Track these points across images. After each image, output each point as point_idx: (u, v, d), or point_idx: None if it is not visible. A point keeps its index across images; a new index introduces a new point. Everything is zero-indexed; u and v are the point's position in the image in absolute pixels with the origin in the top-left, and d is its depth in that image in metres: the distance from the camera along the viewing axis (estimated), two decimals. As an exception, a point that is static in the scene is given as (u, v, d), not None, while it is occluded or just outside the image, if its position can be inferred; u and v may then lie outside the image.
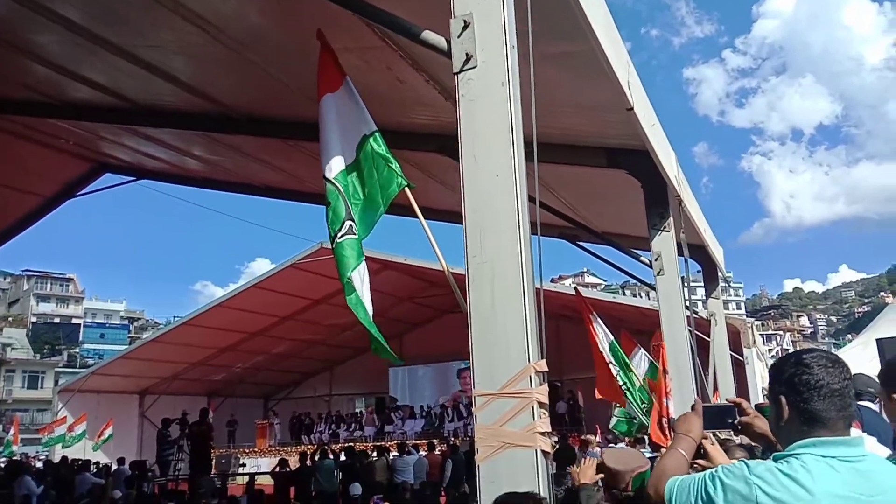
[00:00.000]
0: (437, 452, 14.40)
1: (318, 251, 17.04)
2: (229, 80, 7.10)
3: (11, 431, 26.43)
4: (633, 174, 6.01)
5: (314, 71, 4.51)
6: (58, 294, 61.45)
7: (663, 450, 3.04)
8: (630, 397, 7.24)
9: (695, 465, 1.97)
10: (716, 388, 7.72)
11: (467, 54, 2.77)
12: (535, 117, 2.83)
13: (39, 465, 16.00)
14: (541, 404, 2.50)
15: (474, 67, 2.75)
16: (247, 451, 20.53)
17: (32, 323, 57.23)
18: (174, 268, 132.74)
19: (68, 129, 9.86)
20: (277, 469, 12.95)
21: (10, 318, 57.18)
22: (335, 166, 3.89)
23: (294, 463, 13.50)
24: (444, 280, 4.07)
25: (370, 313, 3.64)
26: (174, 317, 25.12)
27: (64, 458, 15.27)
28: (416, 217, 3.67)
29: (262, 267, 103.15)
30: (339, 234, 3.76)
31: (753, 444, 2.45)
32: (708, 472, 1.68)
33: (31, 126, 9.86)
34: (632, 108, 4.49)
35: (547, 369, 2.56)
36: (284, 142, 8.16)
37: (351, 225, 3.77)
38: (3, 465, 17.08)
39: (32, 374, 49.28)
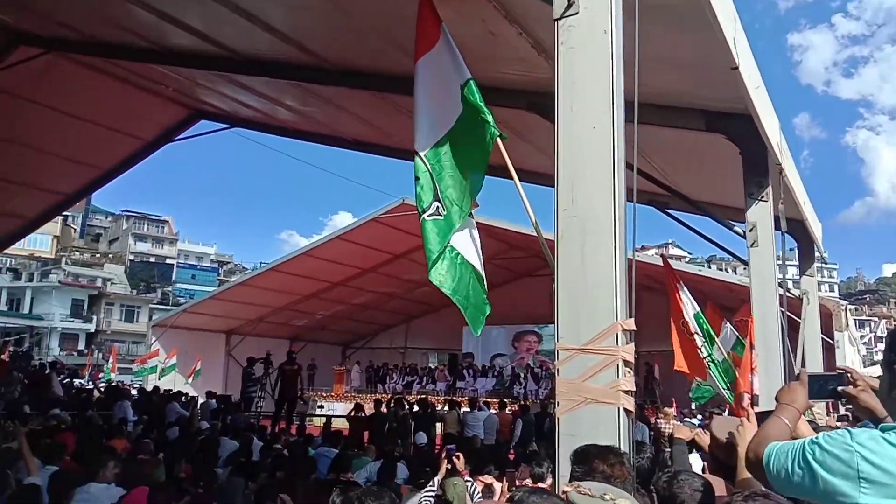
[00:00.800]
0: (507, 411, 14.54)
1: (400, 206, 17.19)
2: (325, 31, 7.17)
3: (110, 360, 28.34)
4: (732, 139, 5.74)
5: (409, 24, 4.49)
6: (154, 235, 64.70)
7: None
8: (713, 370, 7.05)
9: None
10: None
11: (569, 1, 2.69)
12: (637, 73, 2.73)
13: (134, 392, 17.12)
14: (626, 363, 2.47)
15: (576, 14, 2.67)
16: (324, 394, 21.31)
17: (130, 261, 60.58)
18: (262, 216, 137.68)
19: (169, 76, 10.25)
20: (353, 413, 13.40)
21: (110, 255, 60.72)
22: (427, 142, 3.83)
23: (369, 409, 13.93)
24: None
25: (475, 282, 3.63)
26: (260, 263, 26.07)
27: (156, 388, 16.27)
28: (501, 175, 3.64)
29: (344, 220, 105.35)
30: (426, 212, 3.77)
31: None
32: (808, 437, 1.62)
33: (134, 71, 10.30)
34: (737, 68, 4.27)
35: (635, 328, 2.51)
36: (374, 95, 8.21)
37: (437, 206, 3.75)
38: (103, 390, 18.42)
39: (129, 309, 52.51)
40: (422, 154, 3.82)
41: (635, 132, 2.75)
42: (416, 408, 13.87)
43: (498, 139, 3.33)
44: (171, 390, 15.35)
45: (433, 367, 25.55)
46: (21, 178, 12.73)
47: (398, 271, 20.98)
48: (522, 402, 16.44)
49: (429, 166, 3.76)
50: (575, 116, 2.60)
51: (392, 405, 13.49)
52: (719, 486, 2.50)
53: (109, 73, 10.42)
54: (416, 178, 3.81)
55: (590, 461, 2.20)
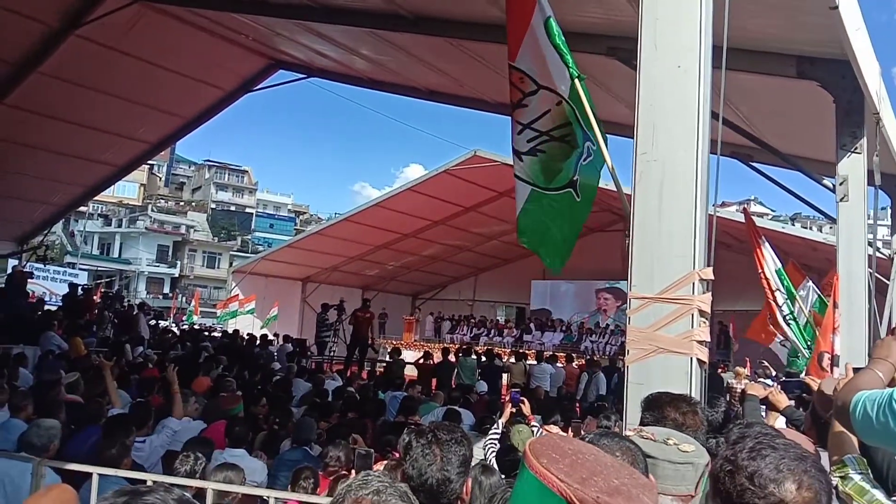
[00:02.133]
0: (574, 366, 14.51)
1: (472, 158, 17.05)
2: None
3: (193, 303, 29.72)
4: (826, 86, 5.39)
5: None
6: (234, 184, 66.65)
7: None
8: (793, 328, 6.79)
9: None
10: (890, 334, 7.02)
11: (656, -66, 2.54)
12: (727, 13, 2.57)
13: (217, 334, 17.93)
14: (702, 312, 2.40)
15: (663, -52, 2.52)
16: (394, 342, 21.79)
17: (212, 209, 62.77)
18: (336, 167, 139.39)
19: (249, 25, 10.40)
20: (422, 361, 13.67)
21: (193, 203, 63.10)
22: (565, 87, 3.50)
23: (437, 358, 14.16)
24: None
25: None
26: (335, 213, 26.53)
27: (236, 331, 16.95)
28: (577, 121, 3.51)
29: (415, 172, 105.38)
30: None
31: None
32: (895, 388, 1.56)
33: (215, 20, 10.49)
34: (836, 7, 3.97)
35: (713, 277, 2.43)
36: (449, 42, 8.11)
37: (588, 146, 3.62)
38: (186, 330, 19.40)
39: (211, 255, 54.73)
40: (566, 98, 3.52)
41: (723, 79, 2.62)
42: (483, 358, 14.01)
43: (576, 80, 3.22)
44: (248, 334, 15.93)
45: (501, 319, 25.70)
46: (110, 126, 13.28)
47: (468, 224, 20.98)
48: (590, 357, 16.38)
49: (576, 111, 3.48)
50: (658, 54, 2.48)
51: (461, 354, 13.66)
52: (803, 442, 2.43)
53: (192, 24, 10.66)
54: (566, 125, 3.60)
55: (661, 408, 2.16)
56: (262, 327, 19.64)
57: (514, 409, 5.79)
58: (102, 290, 26.64)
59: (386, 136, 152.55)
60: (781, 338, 7.84)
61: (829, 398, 2.61)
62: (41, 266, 23.07)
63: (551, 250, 3.68)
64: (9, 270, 16.17)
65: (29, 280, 15.61)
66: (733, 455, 1.30)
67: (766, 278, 6.99)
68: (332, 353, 16.79)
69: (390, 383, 10.61)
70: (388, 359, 15.56)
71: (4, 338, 11.28)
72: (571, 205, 3.68)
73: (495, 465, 4.46)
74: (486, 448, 5.48)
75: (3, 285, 14.74)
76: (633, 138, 2.64)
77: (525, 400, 5.89)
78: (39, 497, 2.73)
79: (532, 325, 22.82)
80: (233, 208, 64.73)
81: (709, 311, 2.43)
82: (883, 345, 1.91)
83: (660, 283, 2.45)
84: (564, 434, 4.64)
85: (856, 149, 5.43)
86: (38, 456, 4.30)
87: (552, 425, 6.62)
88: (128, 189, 53.76)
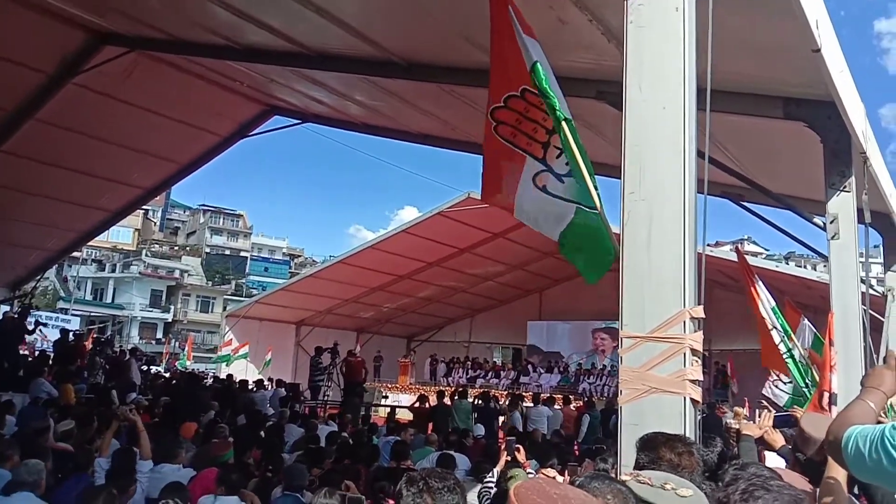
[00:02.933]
0: (572, 407, 14.37)
1: (466, 200, 17.12)
2: (393, 24, 7.25)
3: (186, 348, 29.47)
4: (813, 127, 5.47)
5: (474, 15, 4.44)
6: (229, 228, 66.87)
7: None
8: (791, 367, 6.76)
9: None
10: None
11: (639, -21, 2.61)
12: (710, 56, 2.63)
13: (209, 381, 17.75)
14: (694, 351, 2.38)
15: (646, -8, 2.59)
16: (389, 385, 21.55)
17: (206, 253, 62.85)
18: (331, 210, 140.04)
19: (244, 72, 10.55)
20: (417, 404, 13.52)
21: (187, 248, 63.16)
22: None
23: (433, 401, 14.01)
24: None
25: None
26: (330, 256, 26.54)
27: (229, 376, 16.81)
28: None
29: (409, 214, 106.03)
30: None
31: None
32: (890, 424, 1.53)
33: (211, 68, 10.66)
34: (818, 50, 4.05)
35: (703, 316, 2.42)
36: (440, 87, 8.23)
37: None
38: (179, 375, 19.21)
39: (205, 300, 54.53)
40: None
41: (707, 119, 2.66)
42: (478, 401, 13.86)
43: (563, 123, 3.25)
44: (245, 380, 15.77)
45: (497, 361, 25.52)
46: (106, 172, 13.37)
47: (462, 265, 21.02)
48: (588, 399, 16.23)
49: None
50: (644, 96, 2.52)
51: (456, 397, 13.53)
52: (799, 482, 2.39)
53: (188, 71, 10.82)
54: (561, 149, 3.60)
55: (656, 449, 2.13)
56: (259, 373, 19.46)
57: (509, 458, 5.70)
58: (94, 335, 26.41)
59: (380, 179, 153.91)
60: (782, 378, 7.79)
61: (808, 436, 2.60)
62: (33, 311, 22.88)
63: (592, 262, 3.64)
64: None
65: (39, 328, 15.36)
66: (726, 497, 1.27)
67: (762, 317, 6.98)
68: (325, 398, 16.61)
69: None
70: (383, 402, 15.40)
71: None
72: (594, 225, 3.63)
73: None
74: (482, 496, 5.39)
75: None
76: (618, 178, 2.67)
77: (520, 447, 5.80)
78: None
79: (529, 367, 22.67)
80: (228, 252, 64.84)
81: (701, 349, 2.42)
82: (874, 374, 1.90)
83: (651, 321, 2.44)
84: (555, 479, 4.56)
85: (845, 187, 5.48)
86: (32, 491, 4.42)
87: (549, 468, 6.51)
88: (122, 234, 53.82)
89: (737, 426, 3.57)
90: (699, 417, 2.40)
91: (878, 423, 1.74)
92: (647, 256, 2.47)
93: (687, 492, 1.78)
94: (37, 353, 16.96)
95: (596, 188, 3.27)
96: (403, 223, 19.97)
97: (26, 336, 14.60)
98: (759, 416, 3.87)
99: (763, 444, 3.56)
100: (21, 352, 14.47)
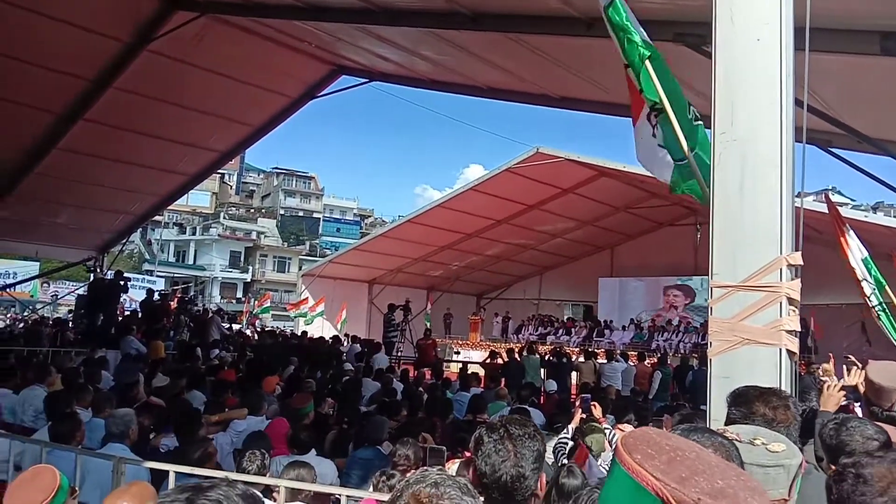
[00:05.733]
0: (646, 363, 14.15)
1: (534, 156, 16.87)
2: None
3: (264, 304, 29.90)
4: (914, 62, 5.03)
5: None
6: (301, 190, 68.13)
7: None
8: (884, 319, 6.38)
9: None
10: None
11: None
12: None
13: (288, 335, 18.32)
14: (791, 300, 2.22)
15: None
16: (460, 342, 21.75)
17: (280, 215, 64.39)
18: (399, 170, 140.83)
19: (312, 32, 10.55)
20: (488, 360, 13.59)
21: (262, 210, 64.89)
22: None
23: (504, 357, 14.04)
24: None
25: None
26: (398, 216, 26.74)
27: (304, 333, 17.29)
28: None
29: (476, 173, 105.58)
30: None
31: None
32: None
33: (279, 29, 10.70)
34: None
35: (801, 262, 2.25)
36: (508, 37, 8.00)
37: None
38: (259, 331, 19.94)
39: (281, 260, 56.16)
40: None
41: (806, 62, 2.42)
42: (551, 357, 13.81)
43: (648, 62, 3.05)
44: (323, 336, 16.19)
45: (567, 318, 25.34)
46: (183, 137, 13.72)
47: (531, 222, 20.79)
48: (661, 354, 15.95)
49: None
50: (736, 28, 2.32)
51: (525, 353, 13.52)
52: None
53: (258, 33, 10.91)
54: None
55: (749, 403, 2.01)
56: (339, 331, 19.91)
57: (584, 415, 5.62)
58: (179, 295, 27.61)
59: (446, 137, 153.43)
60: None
61: (879, 386, 2.41)
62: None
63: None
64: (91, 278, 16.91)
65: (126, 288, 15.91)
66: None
67: (852, 267, 6.59)
68: (398, 354, 16.90)
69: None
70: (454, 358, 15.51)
71: (90, 343, 11.83)
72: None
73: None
74: (557, 451, 5.36)
75: (90, 292, 15.42)
76: (708, 127, 2.50)
77: (596, 403, 5.72)
78: (121, 493, 2.78)
79: (602, 323, 22.50)
80: (301, 214, 66.18)
81: (798, 298, 2.26)
82: None
83: (743, 270, 2.29)
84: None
85: (948, 127, 5.06)
86: (121, 442, 4.58)
87: (626, 424, 6.42)
88: (200, 198, 55.65)
89: (831, 381, 3.37)
90: (795, 369, 2.25)
91: None
92: (739, 200, 2.31)
93: (779, 447, 1.67)
94: (126, 312, 17.82)
95: (689, 130, 3.07)
96: (471, 181, 19.84)
97: (121, 294, 15.29)
98: (848, 373, 3.64)
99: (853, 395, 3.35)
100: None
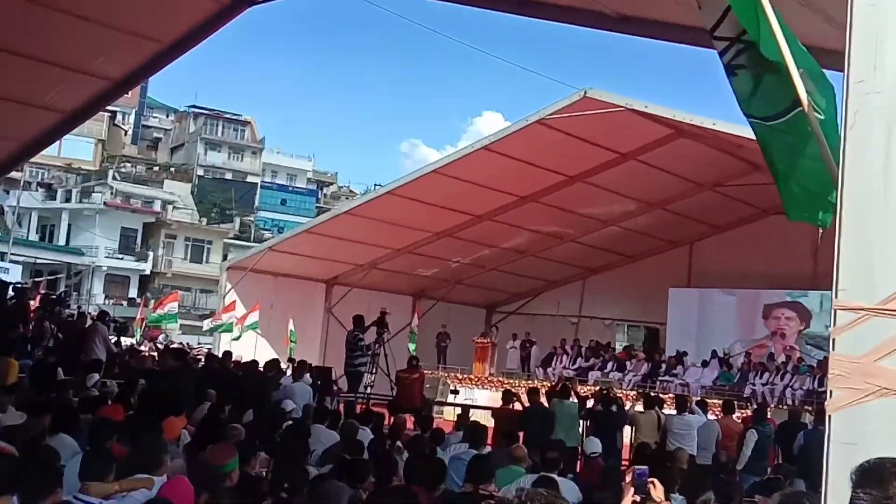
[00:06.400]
0: (735, 417, 14.22)
1: (581, 102, 16.74)
2: None
3: (167, 308, 29.36)
4: None
5: None
6: (231, 142, 67.65)
7: None
8: None
9: None
10: None
11: None
12: None
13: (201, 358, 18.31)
14: (953, 334, 2.25)
15: None
16: (460, 376, 21.82)
17: (199, 177, 64.13)
18: (378, 118, 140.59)
19: None
20: (501, 405, 13.62)
21: (172, 169, 64.61)
22: None
23: (523, 402, 14.10)
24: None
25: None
26: (374, 185, 26.75)
27: (227, 353, 17.22)
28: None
29: (490, 124, 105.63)
30: None
31: None
32: None
33: None
34: None
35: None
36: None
37: None
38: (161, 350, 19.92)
39: (197, 244, 56.06)
40: None
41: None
42: (594, 403, 13.88)
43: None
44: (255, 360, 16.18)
45: (622, 347, 25.41)
46: (57, 56, 13.63)
47: (572, 201, 20.78)
48: (759, 404, 16.02)
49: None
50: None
51: (556, 396, 13.57)
52: None
53: None
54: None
55: (884, 483, 2.04)
56: (286, 353, 19.86)
57: (636, 498, 5.63)
58: (42, 291, 27.63)
59: (450, 70, 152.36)
60: None
61: None
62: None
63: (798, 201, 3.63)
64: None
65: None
66: None
67: None
68: (368, 390, 16.92)
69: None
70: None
71: None
72: (807, 130, 3.54)
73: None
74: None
75: None
76: (838, 69, 2.50)
77: (654, 481, 5.73)
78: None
79: (671, 356, 22.63)
80: (228, 176, 66.12)
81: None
82: None
83: (885, 286, 2.30)
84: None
85: None
86: None
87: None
88: (80, 148, 55.52)
89: None
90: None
91: None
92: (882, 180, 2.31)
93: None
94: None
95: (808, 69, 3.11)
96: (483, 137, 19.83)
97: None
98: None
99: None
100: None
